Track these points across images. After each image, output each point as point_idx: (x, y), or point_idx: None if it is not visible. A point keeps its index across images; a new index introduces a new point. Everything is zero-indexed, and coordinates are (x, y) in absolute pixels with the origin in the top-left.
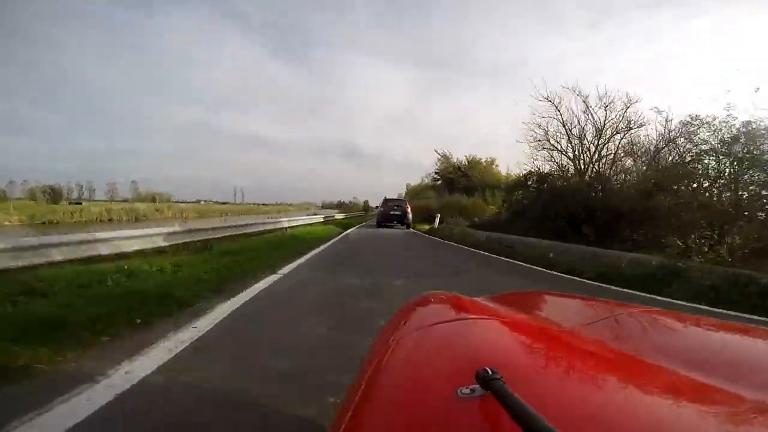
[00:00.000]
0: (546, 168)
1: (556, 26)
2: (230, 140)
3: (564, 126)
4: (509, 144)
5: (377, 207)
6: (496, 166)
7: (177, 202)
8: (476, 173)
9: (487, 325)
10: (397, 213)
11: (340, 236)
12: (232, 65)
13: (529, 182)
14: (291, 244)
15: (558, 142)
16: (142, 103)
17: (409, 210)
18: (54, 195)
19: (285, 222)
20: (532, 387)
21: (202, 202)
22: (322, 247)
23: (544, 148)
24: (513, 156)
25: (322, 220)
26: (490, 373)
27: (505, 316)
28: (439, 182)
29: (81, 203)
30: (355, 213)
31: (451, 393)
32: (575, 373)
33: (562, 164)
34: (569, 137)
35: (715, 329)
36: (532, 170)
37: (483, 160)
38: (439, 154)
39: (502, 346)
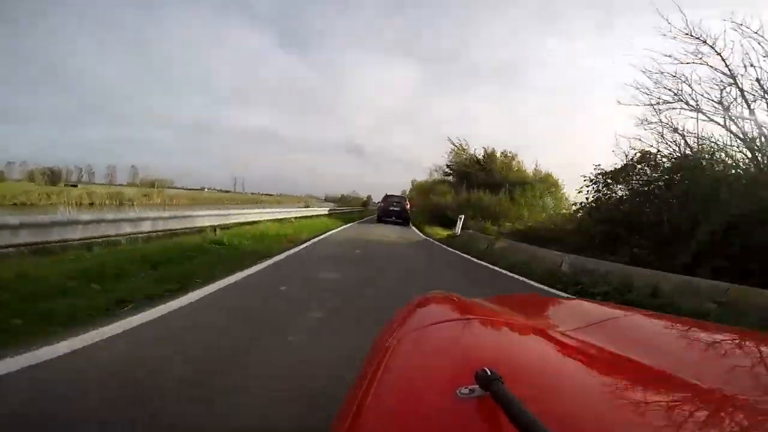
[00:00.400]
0: (658, 146)
1: (563, 25)
2: (236, 132)
3: (732, 77)
4: (520, 144)
5: (379, 203)
6: (519, 161)
7: (180, 188)
8: (498, 168)
9: (486, 325)
10: (396, 209)
11: (297, 250)
12: (239, 59)
13: (639, 168)
14: (192, 260)
15: (696, 102)
16: (149, 94)
17: (407, 206)
18: (53, 177)
19: (204, 219)
20: (531, 388)
21: (206, 190)
22: (228, 281)
23: (674, 107)
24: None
25: (326, 212)
26: (490, 373)
27: (505, 317)
28: (452, 177)
29: (77, 185)
30: (352, 207)
31: (450, 393)
32: (574, 375)
33: (700, 137)
34: (745, 96)
35: (712, 333)
36: (650, 150)
37: (499, 154)
38: (453, 143)
39: (502, 347)
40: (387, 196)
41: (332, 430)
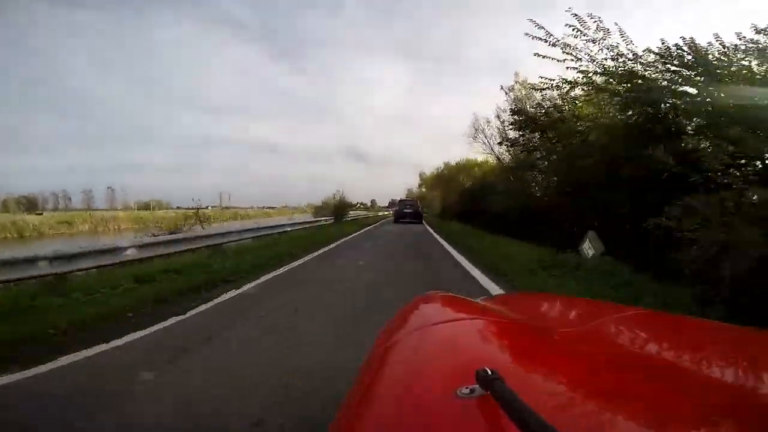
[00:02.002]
0: None
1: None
2: (233, 146)
3: None
4: None
5: (394, 207)
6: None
7: (178, 208)
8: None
9: (486, 325)
10: (409, 210)
11: None
12: (230, 72)
13: None
14: None
15: None
16: (139, 111)
17: (420, 207)
18: (29, 205)
19: None
20: (531, 387)
21: (210, 208)
22: None
23: None
24: None
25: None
26: (490, 373)
27: (505, 317)
28: (527, 133)
29: (42, 213)
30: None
31: (450, 393)
32: (574, 374)
33: None
34: None
35: (709, 331)
36: None
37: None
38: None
39: (502, 347)
40: (401, 201)
41: (333, 429)
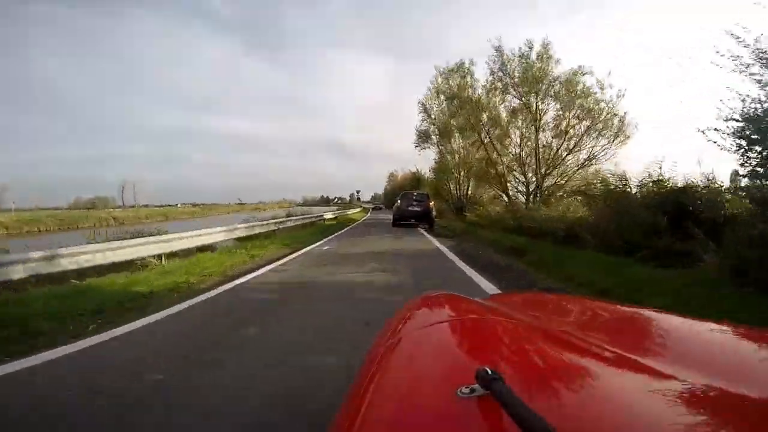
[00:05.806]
0: None
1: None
2: (210, 141)
3: None
4: None
5: (374, 204)
6: None
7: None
8: None
9: (487, 325)
10: (416, 209)
11: None
12: (206, 65)
13: None
14: None
15: None
16: (114, 107)
17: (431, 205)
18: None
19: None
20: (532, 387)
21: (179, 206)
22: None
23: None
24: None
25: None
26: (490, 373)
27: (505, 317)
28: None
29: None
30: None
31: (451, 393)
32: (575, 373)
33: None
34: None
35: (713, 330)
36: None
37: None
38: None
39: (502, 346)
40: (405, 194)
41: (333, 429)
